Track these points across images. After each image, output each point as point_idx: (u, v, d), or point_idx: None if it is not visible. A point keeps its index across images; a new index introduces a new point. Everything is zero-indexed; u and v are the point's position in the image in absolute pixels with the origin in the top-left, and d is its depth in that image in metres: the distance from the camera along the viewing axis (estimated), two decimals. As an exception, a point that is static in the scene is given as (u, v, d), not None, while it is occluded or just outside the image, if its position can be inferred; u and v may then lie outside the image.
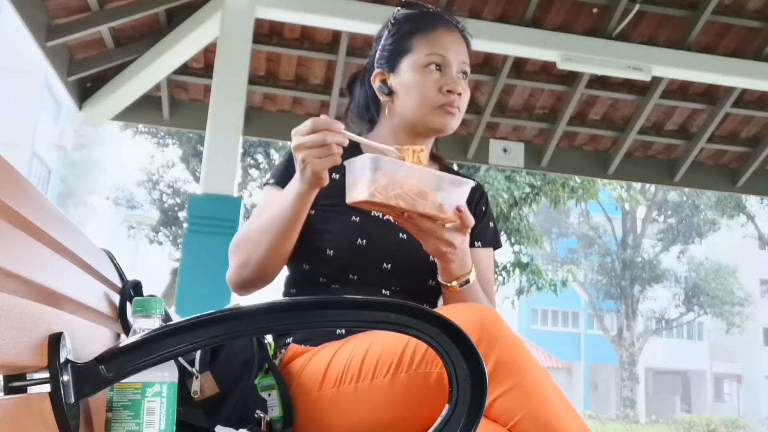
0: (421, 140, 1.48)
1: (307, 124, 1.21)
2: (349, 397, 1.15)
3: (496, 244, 1.57)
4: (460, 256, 1.29)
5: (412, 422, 1.09)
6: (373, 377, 1.13)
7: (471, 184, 1.24)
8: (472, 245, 1.49)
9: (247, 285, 1.40)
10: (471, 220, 1.24)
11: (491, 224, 1.57)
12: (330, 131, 1.19)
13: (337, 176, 1.40)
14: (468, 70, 1.49)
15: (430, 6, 1.54)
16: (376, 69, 1.51)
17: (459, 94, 1.45)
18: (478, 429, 0.88)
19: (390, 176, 1.16)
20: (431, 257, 1.38)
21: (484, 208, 1.56)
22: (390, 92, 1.48)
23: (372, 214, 1.41)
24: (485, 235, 1.54)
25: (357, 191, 1.18)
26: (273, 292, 1.49)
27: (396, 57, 1.48)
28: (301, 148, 1.21)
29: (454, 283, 1.32)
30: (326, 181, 1.24)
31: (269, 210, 1.36)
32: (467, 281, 1.33)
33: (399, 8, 1.51)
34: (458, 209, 1.22)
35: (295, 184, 1.28)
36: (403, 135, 1.48)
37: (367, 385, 1.13)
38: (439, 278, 1.34)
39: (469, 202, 1.52)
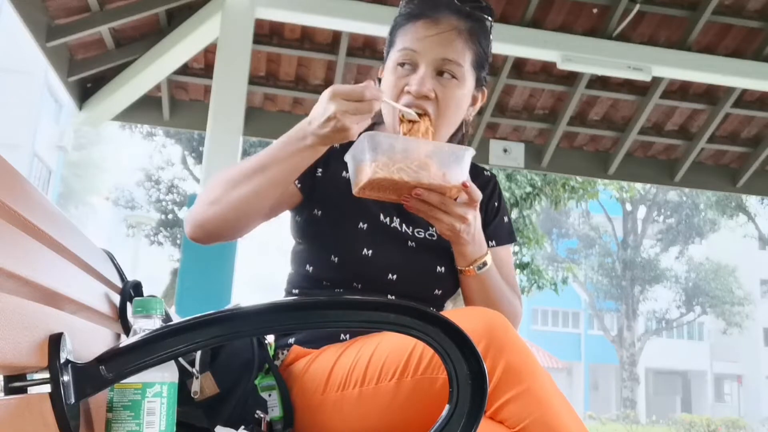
0: None
1: (348, 86, 1.13)
2: (353, 401, 1.14)
3: (511, 239, 1.51)
4: (473, 235, 1.25)
5: (416, 428, 1.08)
6: (378, 381, 1.11)
7: (471, 151, 1.19)
8: (487, 245, 1.44)
9: (208, 226, 1.27)
10: (478, 194, 1.21)
11: (505, 219, 1.51)
12: (370, 88, 1.12)
13: (347, 175, 1.39)
14: (453, 68, 1.30)
15: None
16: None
17: (426, 97, 1.28)
18: (486, 431, 0.88)
19: (389, 153, 1.15)
20: (438, 267, 1.36)
21: (497, 204, 1.50)
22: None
23: (380, 219, 1.37)
24: (501, 232, 1.48)
25: (361, 175, 1.17)
26: (274, 292, 1.49)
27: (388, 49, 1.38)
28: (336, 97, 1.11)
29: (472, 267, 1.30)
30: (353, 137, 1.15)
31: (261, 152, 1.24)
32: (484, 263, 1.30)
33: None
34: (464, 185, 1.18)
35: (308, 133, 1.16)
36: None
37: (372, 389, 1.12)
38: (457, 265, 1.32)
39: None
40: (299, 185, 1.38)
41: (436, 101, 1.30)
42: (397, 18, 1.38)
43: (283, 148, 1.20)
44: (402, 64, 1.32)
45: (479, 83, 1.39)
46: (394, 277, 1.35)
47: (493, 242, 1.46)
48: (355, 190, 1.18)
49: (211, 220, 1.26)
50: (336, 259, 1.34)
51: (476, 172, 1.50)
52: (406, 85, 1.30)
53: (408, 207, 1.20)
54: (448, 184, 1.18)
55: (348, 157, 1.20)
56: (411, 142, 1.20)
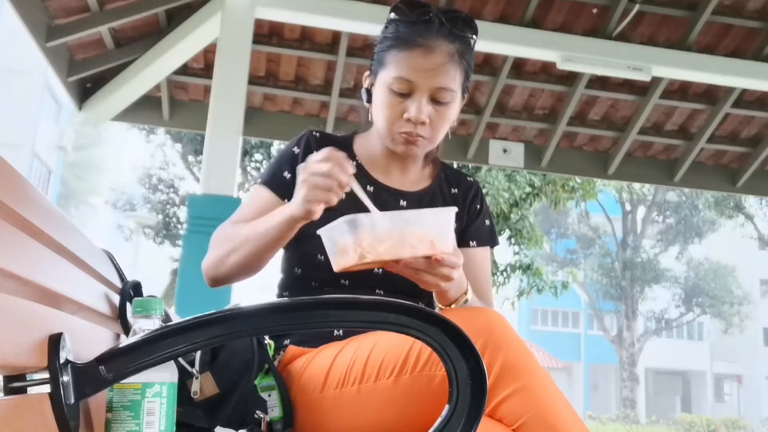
0: (394, 159, 1.45)
1: (325, 150, 1.19)
2: (351, 399, 1.15)
3: (492, 242, 1.52)
4: (456, 283, 1.23)
5: (415, 424, 1.08)
6: (376, 379, 1.12)
7: (453, 210, 1.16)
8: (467, 245, 1.47)
9: (219, 280, 1.40)
10: (453, 261, 1.16)
11: (487, 222, 1.53)
12: (340, 166, 1.17)
13: None
14: (447, 94, 1.36)
15: (426, 8, 1.37)
16: (370, 69, 1.45)
17: (423, 123, 1.36)
18: (485, 429, 0.88)
19: (372, 232, 1.11)
20: None
21: (478, 206, 1.53)
22: (370, 99, 1.43)
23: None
24: (480, 233, 1.51)
25: (345, 258, 1.12)
26: (273, 292, 1.49)
27: (377, 65, 1.41)
28: (306, 170, 1.19)
29: (453, 306, 1.28)
30: (316, 216, 1.21)
31: (258, 220, 1.34)
32: (465, 301, 1.29)
33: (392, 13, 1.39)
34: (435, 260, 1.13)
35: (288, 207, 1.25)
36: (383, 146, 1.45)
37: (371, 386, 1.13)
38: (436, 301, 1.31)
39: (462, 200, 1.51)
40: (287, 201, 1.38)
41: (431, 124, 1.38)
42: (387, 38, 1.38)
43: (274, 222, 1.29)
44: (400, 90, 1.36)
45: (464, 92, 1.44)
46: (380, 271, 1.37)
47: (474, 242, 1.49)
48: (336, 269, 1.15)
49: (221, 276, 1.40)
50: (322, 258, 1.34)
51: (458, 178, 1.55)
52: (404, 111, 1.36)
53: (393, 271, 1.17)
54: (436, 250, 1.13)
55: (324, 234, 1.17)
56: (393, 218, 1.14)
